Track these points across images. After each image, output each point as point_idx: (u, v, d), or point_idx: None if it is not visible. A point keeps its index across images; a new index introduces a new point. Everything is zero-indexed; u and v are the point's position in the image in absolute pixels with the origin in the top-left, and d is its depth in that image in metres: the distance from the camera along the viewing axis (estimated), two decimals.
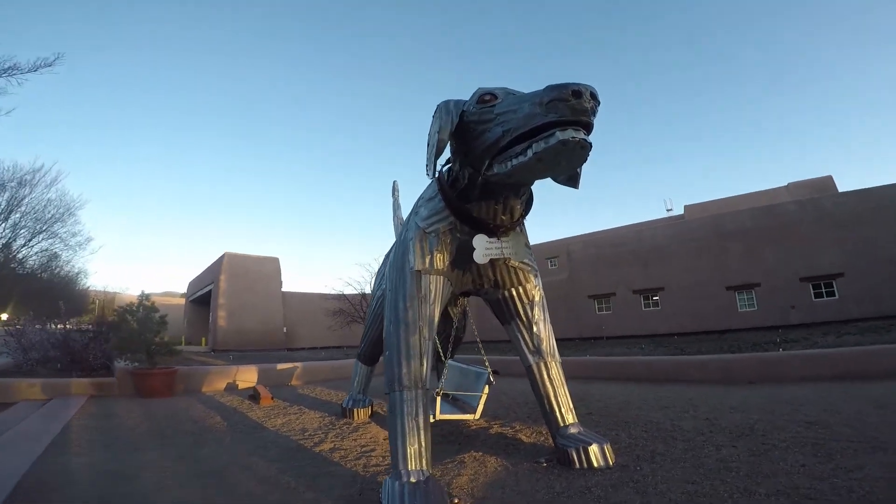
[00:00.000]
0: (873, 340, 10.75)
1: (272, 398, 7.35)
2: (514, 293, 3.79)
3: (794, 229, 20.53)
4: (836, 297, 19.34)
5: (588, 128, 2.34)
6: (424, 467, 2.90)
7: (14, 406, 6.78)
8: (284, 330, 30.41)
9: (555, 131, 2.27)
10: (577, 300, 25.86)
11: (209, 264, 31.60)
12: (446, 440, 4.45)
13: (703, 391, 6.24)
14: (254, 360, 18.44)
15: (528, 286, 3.81)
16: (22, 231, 16.74)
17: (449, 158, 3.44)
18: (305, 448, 4.35)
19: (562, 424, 3.61)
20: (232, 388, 9.09)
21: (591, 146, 2.33)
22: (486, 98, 2.81)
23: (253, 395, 7.57)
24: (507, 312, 3.86)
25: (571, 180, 3.17)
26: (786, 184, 27.94)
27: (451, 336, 5.26)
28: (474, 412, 4.12)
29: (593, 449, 3.31)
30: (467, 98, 3.00)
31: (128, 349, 8.01)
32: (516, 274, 3.75)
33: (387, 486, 2.77)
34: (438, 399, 3.90)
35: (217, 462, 3.93)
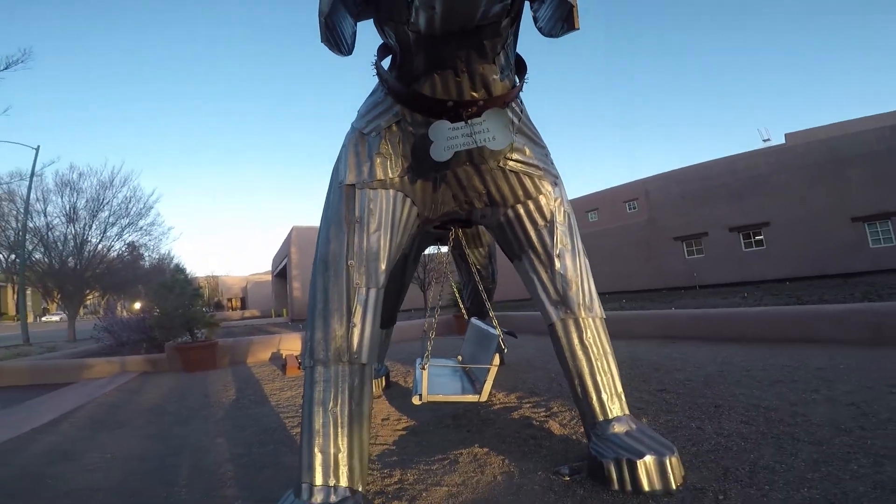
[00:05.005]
0: None
1: (299, 367, 6.89)
2: (522, 211, 2.55)
3: None
4: None
5: None
6: (342, 482, 1.93)
7: (70, 385, 7.00)
8: None
9: None
10: (660, 244, 22.87)
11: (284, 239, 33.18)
12: (456, 423, 3.42)
13: (839, 357, 4.39)
14: None
15: (543, 200, 2.53)
16: (114, 228, 18.37)
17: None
18: (286, 428, 3.67)
19: (600, 418, 2.34)
20: (277, 357, 8.92)
21: None
22: None
23: (283, 365, 7.21)
24: (514, 242, 2.63)
25: (563, 20, 1.72)
26: None
27: (474, 287, 4.28)
28: (479, 392, 2.96)
29: (645, 463, 2.00)
30: None
31: (165, 325, 7.97)
32: (520, 182, 2.50)
33: (282, 503, 1.95)
34: (425, 374, 2.84)
35: (181, 442, 3.49)
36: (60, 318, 41.88)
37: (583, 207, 31.74)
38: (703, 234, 21.57)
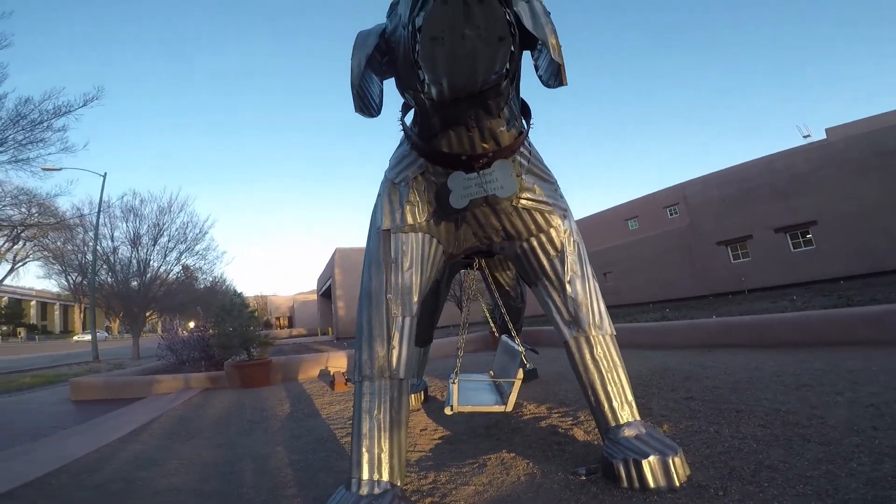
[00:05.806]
0: None
1: (346, 383, 7.34)
2: (535, 244, 2.87)
3: None
4: None
5: None
6: (384, 477, 2.30)
7: (142, 399, 7.81)
8: None
9: None
10: (704, 249, 22.09)
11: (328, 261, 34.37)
12: (488, 433, 3.70)
13: (876, 359, 4.34)
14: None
15: (554, 233, 2.84)
16: (173, 252, 19.89)
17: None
18: (337, 438, 4.08)
19: (612, 424, 2.59)
20: (325, 373, 9.43)
21: None
22: None
23: (331, 382, 7.67)
24: (530, 271, 2.97)
25: (555, 75, 2.05)
26: None
27: (504, 307, 4.56)
28: (505, 403, 3.25)
29: (650, 462, 2.22)
30: None
31: (224, 345, 8.69)
32: (532, 218, 2.82)
33: (335, 496, 2.31)
34: (455, 387, 3.17)
35: (247, 450, 3.93)
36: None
37: (622, 216, 31.10)
38: (748, 236, 20.67)
